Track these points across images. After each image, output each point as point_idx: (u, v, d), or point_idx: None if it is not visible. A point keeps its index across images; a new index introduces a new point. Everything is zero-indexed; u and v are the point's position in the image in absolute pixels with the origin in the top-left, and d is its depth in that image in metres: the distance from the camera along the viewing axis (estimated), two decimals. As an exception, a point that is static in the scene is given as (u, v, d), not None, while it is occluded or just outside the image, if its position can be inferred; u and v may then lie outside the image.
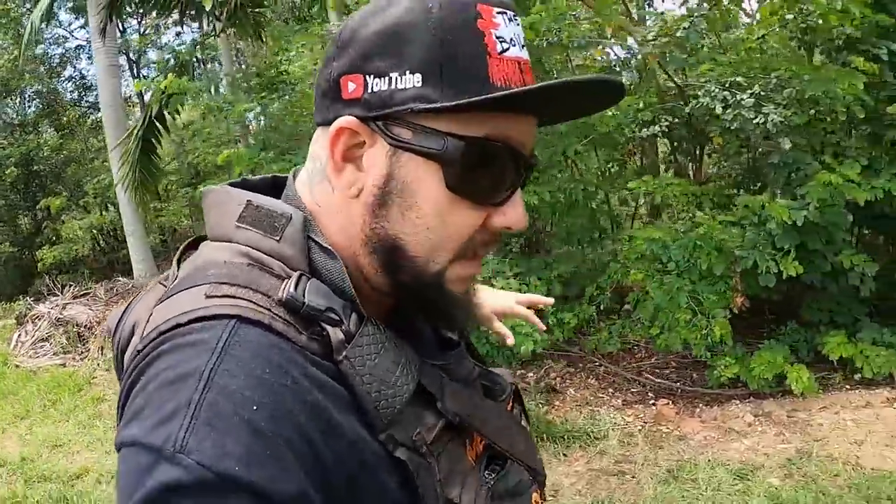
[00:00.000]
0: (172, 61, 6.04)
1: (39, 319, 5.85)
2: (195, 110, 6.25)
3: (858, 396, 3.80)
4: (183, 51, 5.66)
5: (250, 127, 6.15)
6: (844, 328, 4.27)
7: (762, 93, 3.66)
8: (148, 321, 0.51)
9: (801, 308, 4.39)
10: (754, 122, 3.56)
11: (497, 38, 0.51)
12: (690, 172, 4.56)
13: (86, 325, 5.72)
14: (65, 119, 8.51)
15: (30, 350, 5.64)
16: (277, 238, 0.54)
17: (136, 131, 5.91)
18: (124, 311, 0.58)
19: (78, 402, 4.98)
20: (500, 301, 0.99)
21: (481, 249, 0.57)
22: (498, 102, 0.49)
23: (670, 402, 3.79)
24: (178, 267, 0.57)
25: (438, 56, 0.50)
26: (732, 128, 3.61)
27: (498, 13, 0.52)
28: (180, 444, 0.41)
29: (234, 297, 0.49)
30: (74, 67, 8.44)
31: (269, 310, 0.49)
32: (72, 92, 9.08)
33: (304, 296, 0.50)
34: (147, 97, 6.20)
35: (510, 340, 0.99)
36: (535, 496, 0.64)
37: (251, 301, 0.49)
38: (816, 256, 3.85)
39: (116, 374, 0.56)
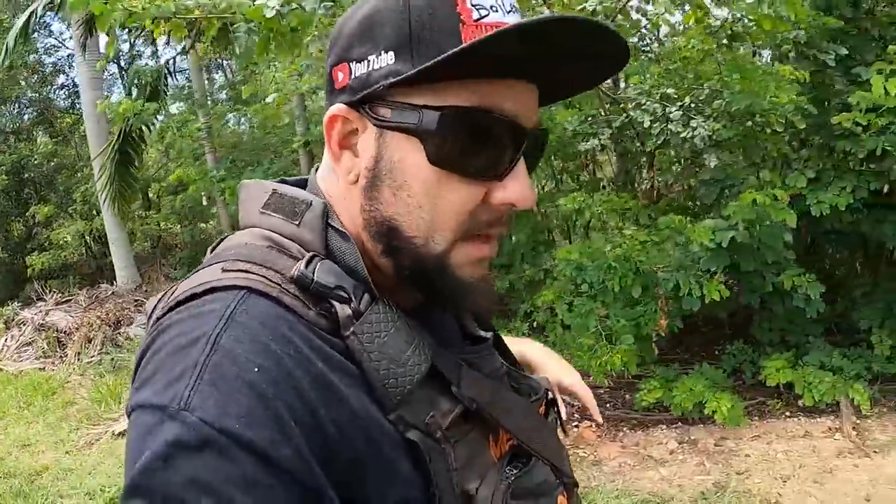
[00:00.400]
0: (136, 81, 6.21)
1: (24, 325, 6.13)
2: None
3: (797, 425, 3.61)
4: (147, 72, 5.80)
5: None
6: (796, 349, 4.07)
7: (692, 104, 3.50)
8: (171, 295, 0.53)
9: (752, 327, 4.20)
10: (681, 136, 3.41)
11: (473, 5, 0.50)
12: (642, 188, 4.40)
13: (65, 331, 5.95)
14: (58, 126, 8.84)
15: (14, 354, 5.91)
16: (297, 223, 0.55)
17: (112, 145, 6.11)
18: (160, 298, 0.58)
19: (49, 405, 5.19)
20: (565, 375, 0.93)
21: (489, 229, 0.55)
22: (460, 58, 0.47)
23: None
24: (211, 253, 0.59)
25: (409, 32, 0.50)
26: (659, 143, 3.47)
27: None
28: (185, 402, 0.42)
29: (247, 271, 0.50)
30: (67, 76, 8.78)
31: (279, 285, 0.50)
32: (64, 99, 9.42)
33: (314, 273, 0.51)
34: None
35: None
36: (560, 499, 0.62)
37: (263, 276, 0.50)
38: (754, 277, 3.67)
39: None
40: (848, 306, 4.26)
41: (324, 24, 3.17)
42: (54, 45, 8.84)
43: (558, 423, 0.69)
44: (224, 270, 0.51)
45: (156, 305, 0.57)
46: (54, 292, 6.69)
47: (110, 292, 6.63)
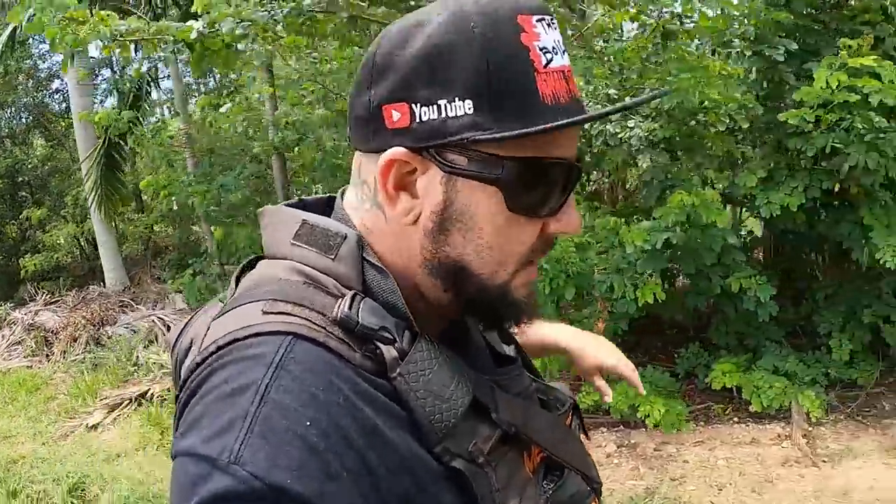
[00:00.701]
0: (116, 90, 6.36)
1: (14, 325, 6.34)
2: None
3: (745, 431, 3.52)
4: (126, 81, 5.94)
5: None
6: (753, 353, 3.96)
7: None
8: (206, 335, 0.52)
9: (709, 329, 4.10)
10: (619, 136, 3.36)
11: (541, 49, 0.51)
12: (587, 190, 4.35)
13: (52, 331, 6.14)
14: (52, 130, 9.08)
15: (4, 353, 6.12)
16: (332, 256, 0.55)
17: (98, 150, 6.27)
18: (184, 327, 0.59)
19: (32, 400, 5.38)
20: (605, 355, 0.99)
21: (538, 255, 0.58)
22: (557, 129, 0.49)
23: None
24: (237, 284, 0.59)
25: (486, 79, 0.49)
26: (598, 143, 3.42)
27: (537, 21, 0.52)
28: (235, 455, 0.42)
29: (290, 314, 0.50)
30: (62, 80, 8.89)
31: (324, 328, 0.50)
32: (60, 103, 9.56)
33: (358, 315, 0.51)
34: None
35: (608, 398, 1.00)
36: None
37: (307, 319, 0.50)
38: (700, 279, 3.59)
39: (174, 386, 0.59)
40: (812, 309, 4.13)
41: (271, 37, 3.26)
42: (49, 51, 9.08)
43: (581, 428, 0.71)
44: (265, 313, 0.50)
45: (178, 338, 0.58)
46: (44, 293, 6.90)
47: (97, 293, 6.82)
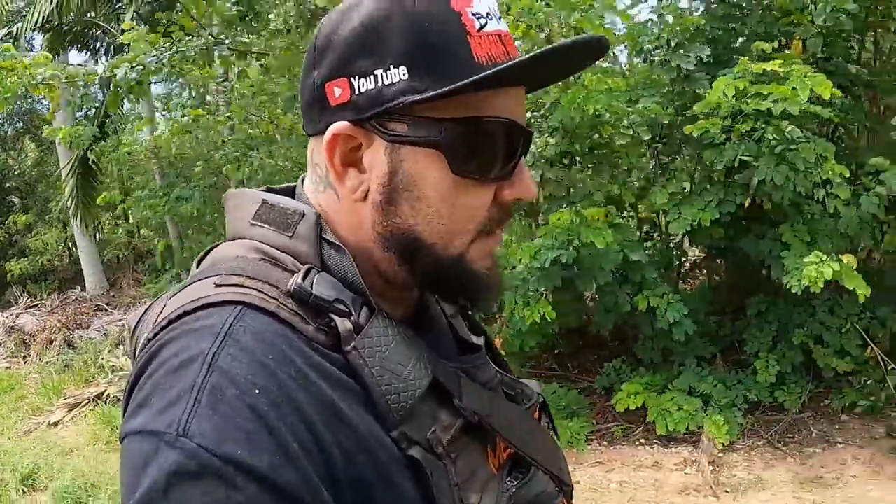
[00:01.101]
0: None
1: (-2, 327, 6.65)
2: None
3: (649, 454, 3.38)
4: (91, 98, 6.15)
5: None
6: (680, 372, 3.80)
7: (531, 120, 3.36)
8: (160, 313, 0.52)
9: (635, 346, 3.96)
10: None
11: (473, 14, 0.51)
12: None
13: (31, 333, 6.41)
14: (40, 136, 9.16)
15: (-14, 354, 6.44)
16: (290, 234, 0.54)
17: (74, 160, 6.49)
18: (145, 312, 0.58)
19: (5, 399, 5.65)
20: None
21: (497, 226, 0.57)
22: (488, 82, 0.50)
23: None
24: (198, 266, 0.58)
25: (419, 45, 0.50)
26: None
27: None
28: (182, 428, 0.41)
29: (241, 286, 0.49)
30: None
31: (276, 299, 0.49)
32: (49, 109, 9.81)
33: (312, 286, 0.50)
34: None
35: None
36: None
37: (259, 290, 0.49)
38: (607, 296, 3.46)
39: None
40: (745, 326, 3.94)
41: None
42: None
43: (550, 427, 0.69)
44: (217, 286, 0.49)
45: (138, 322, 0.57)
46: (26, 296, 7.20)
47: (74, 297, 7.08)
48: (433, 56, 0.50)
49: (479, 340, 0.68)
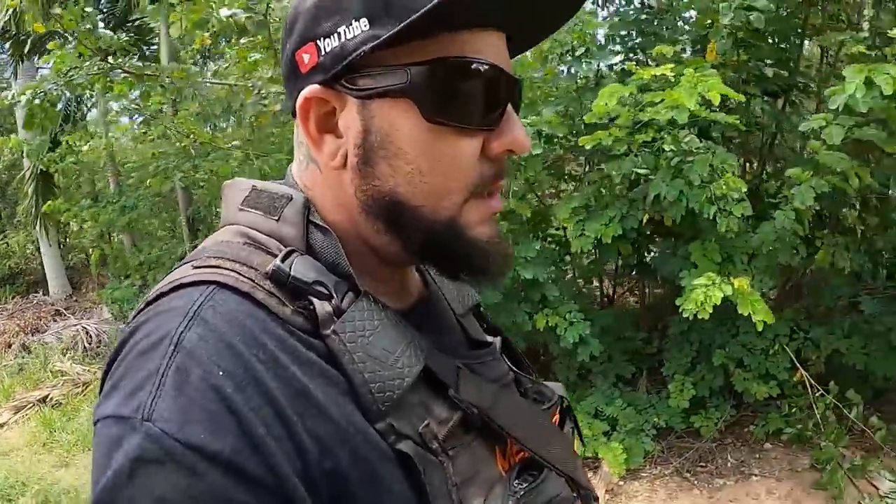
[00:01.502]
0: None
1: (-41, 330, 6.74)
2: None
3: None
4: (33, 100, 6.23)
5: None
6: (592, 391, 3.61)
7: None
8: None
9: (552, 364, 3.78)
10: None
11: None
12: None
13: (-12, 335, 6.49)
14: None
15: (-50, 358, 6.52)
16: (276, 218, 0.53)
17: (32, 168, 6.54)
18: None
19: (-43, 400, 5.75)
20: None
21: (492, 185, 0.53)
22: (444, 15, 0.46)
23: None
24: None
25: None
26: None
27: None
28: (147, 412, 0.40)
29: (218, 266, 0.48)
30: None
31: (251, 280, 0.47)
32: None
33: (290, 268, 0.48)
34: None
35: None
36: None
37: (234, 271, 0.47)
38: (500, 313, 3.29)
39: None
40: (666, 345, 3.73)
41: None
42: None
43: (575, 432, 0.65)
44: (194, 267, 0.48)
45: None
46: (-8, 300, 7.31)
47: (35, 301, 7.14)
48: (393, 4, 0.47)
49: (496, 342, 0.64)
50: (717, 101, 2.57)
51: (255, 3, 3.18)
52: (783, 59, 3.61)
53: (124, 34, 4.12)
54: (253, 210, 0.54)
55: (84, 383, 5.53)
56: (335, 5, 0.49)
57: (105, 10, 7.01)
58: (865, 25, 3.41)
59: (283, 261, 0.48)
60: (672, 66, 2.78)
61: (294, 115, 0.53)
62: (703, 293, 2.63)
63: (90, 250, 6.33)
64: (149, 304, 0.47)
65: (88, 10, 3.76)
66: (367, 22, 0.48)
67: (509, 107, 0.52)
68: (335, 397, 0.45)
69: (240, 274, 0.47)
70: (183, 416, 0.40)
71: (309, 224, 0.53)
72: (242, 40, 3.37)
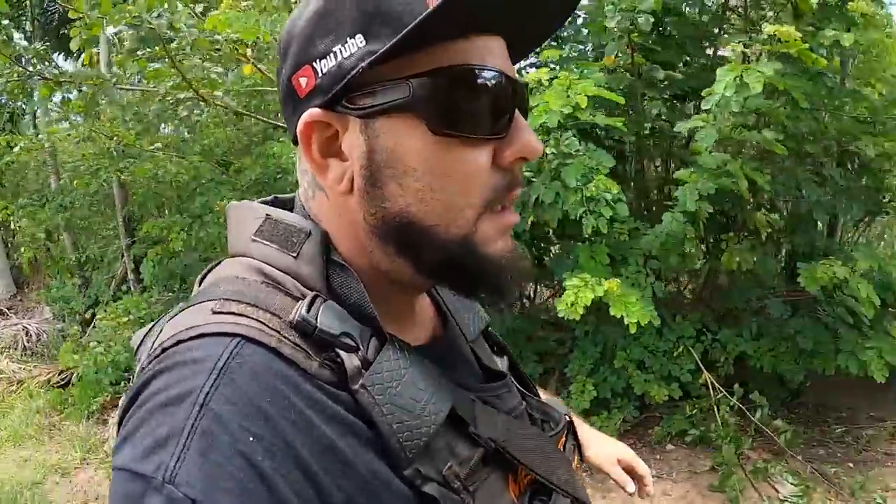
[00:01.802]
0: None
1: None
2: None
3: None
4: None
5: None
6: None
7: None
8: (157, 337, 0.49)
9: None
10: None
11: None
12: None
13: (-68, 338, 6.44)
14: None
15: None
16: (294, 254, 0.51)
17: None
18: (149, 330, 0.56)
19: None
20: (606, 452, 0.94)
21: (506, 197, 0.51)
22: (440, 24, 0.45)
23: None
24: (200, 284, 0.55)
25: (373, 11, 0.47)
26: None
27: None
28: (171, 474, 0.39)
29: (240, 314, 0.46)
30: None
31: (277, 331, 0.45)
32: None
33: (316, 318, 0.46)
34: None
35: (629, 488, 0.93)
36: None
37: (259, 320, 0.45)
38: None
39: None
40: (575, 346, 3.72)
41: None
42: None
43: (577, 450, 0.65)
44: (214, 312, 0.46)
45: (142, 341, 0.53)
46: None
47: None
48: (388, 17, 0.46)
49: (503, 362, 0.65)
50: (583, 103, 2.56)
51: (156, 15, 3.15)
52: (690, 62, 3.61)
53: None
54: (268, 243, 0.51)
55: (18, 381, 5.50)
56: (329, 25, 0.48)
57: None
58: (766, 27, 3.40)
59: (308, 309, 0.46)
60: (547, 70, 2.77)
61: (295, 142, 0.52)
62: (573, 294, 2.61)
63: (21, 249, 6.29)
64: (165, 349, 0.45)
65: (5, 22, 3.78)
66: (362, 38, 0.47)
67: (517, 112, 0.50)
68: (362, 451, 0.44)
69: (265, 324, 0.45)
70: (209, 482, 0.38)
71: (328, 262, 0.51)
72: (140, 52, 3.35)
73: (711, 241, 3.71)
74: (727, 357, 3.64)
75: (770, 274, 3.57)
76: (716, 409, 3.39)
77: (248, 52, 3.59)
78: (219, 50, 3.41)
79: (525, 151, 0.50)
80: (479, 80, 0.48)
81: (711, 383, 3.41)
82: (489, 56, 0.49)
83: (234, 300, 0.47)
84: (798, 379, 3.64)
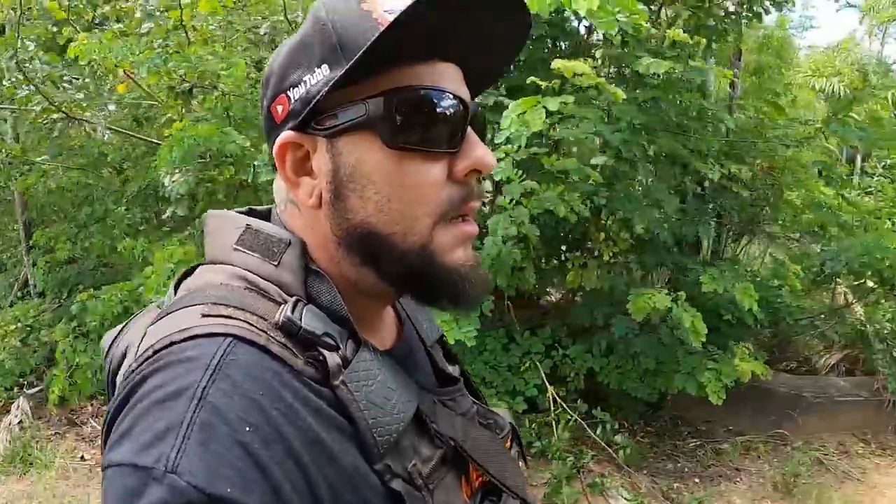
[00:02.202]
0: None
1: None
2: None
3: None
4: None
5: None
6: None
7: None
8: (142, 340, 0.50)
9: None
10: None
11: (385, 11, 0.52)
12: None
13: None
14: None
15: None
16: (276, 263, 0.54)
17: None
18: (117, 334, 0.58)
19: None
20: None
21: (463, 208, 0.55)
22: (383, 47, 0.49)
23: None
24: (175, 291, 0.57)
25: (335, 43, 0.52)
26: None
27: None
28: (172, 464, 0.40)
29: (230, 317, 0.49)
30: None
31: (265, 332, 0.48)
32: None
33: (300, 319, 0.50)
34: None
35: None
36: None
37: (248, 322, 0.48)
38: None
39: (107, 396, 0.57)
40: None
41: None
42: None
43: (521, 455, 0.69)
44: (204, 315, 0.49)
45: (113, 340, 0.56)
46: None
47: None
48: (346, 48, 0.52)
49: (455, 369, 0.68)
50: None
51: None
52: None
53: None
54: (250, 252, 0.55)
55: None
56: (300, 58, 0.54)
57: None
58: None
59: (292, 311, 0.50)
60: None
61: (274, 167, 0.58)
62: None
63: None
64: (157, 351, 0.47)
65: None
66: (326, 67, 0.52)
67: (470, 129, 0.55)
68: (342, 443, 0.47)
69: (254, 325, 0.48)
70: (210, 471, 0.40)
71: (306, 270, 0.55)
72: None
73: (562, 259, 3.83)
74: (577, 373, 3.75)
75: (620, 293, 3.69)
76: (554, 423, 3.50)
77: (121, 72, 3.67)
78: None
79: (478, 164, 0.54)
80: (429, 99, 0.53)
81: (554, 398, 3.53)
82: (441, 79, 0.54)
83: (221, 304, 0.50)
84: (643, 396, 3.75)
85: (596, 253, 3.63)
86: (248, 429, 0.42)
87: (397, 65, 0.52)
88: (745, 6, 4.08)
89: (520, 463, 0.67)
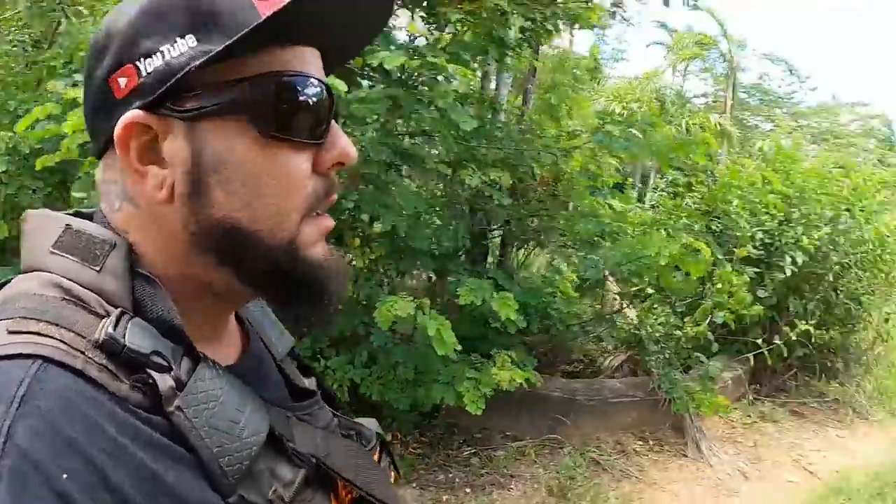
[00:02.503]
0: None
1: None
2: None
3: None
4: None
5: None
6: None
7: None
8: None
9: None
10: None
11: None
12: None
13: None
14: None
15: None
16: (97, 268, 0.48)
17: None
18: None
19: None
20: None
21: (325, 200, 0.53)
22: (276, 26, 0.46)
23: None
24: None
25: (204, 12, 0.47)
26: None
27: None
28: None
29: (41, 334, 0.42)
30: None
31: (82, 352, 0.42)
32: None
33: (124, 337, 0.44)
34: None
35: None
36: None
37: (62, 340, 0.42)
38: None
39: None
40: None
41: None
42: None
43: (392, 466, 0.67)
44: (10, 332, 0.42)
45: None
46: None
47: None
48: (220, 20, 0.47)
49: (311, 382, 0.66)
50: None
51: None
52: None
53: None
54: (68, 255, 0.49)
55: None
56: (157, 24, 0.48)
57: None
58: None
59: (114, 327, 0.44)
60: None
61: (99, 155, 0.52)
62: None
63: None
64: None
65: None
66: (193, 38, 0.47)
67: (334, 121, 0.52)
68: (184, 475, 0.43)
69: (68, 345, 0.42)
70: None
71: (134, 275, 0.49)
72: None
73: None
74: (341, 385, 3.56)
75: (379, 301, 3.55)
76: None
77: None
78: None
79: (342, 157, 0.52)
80: (303, 87, 0.50)
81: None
82: (307, 65, 0.51)
83: (32, 318, 0.44)
84: (403, 408, 3.64)
85: (351, 260, 3.48)
86: (65, 476, 0.37)
87: (275, 46, 0.49)
88: (538, 22, 4.19)
89: (391, 473, 0.66)
